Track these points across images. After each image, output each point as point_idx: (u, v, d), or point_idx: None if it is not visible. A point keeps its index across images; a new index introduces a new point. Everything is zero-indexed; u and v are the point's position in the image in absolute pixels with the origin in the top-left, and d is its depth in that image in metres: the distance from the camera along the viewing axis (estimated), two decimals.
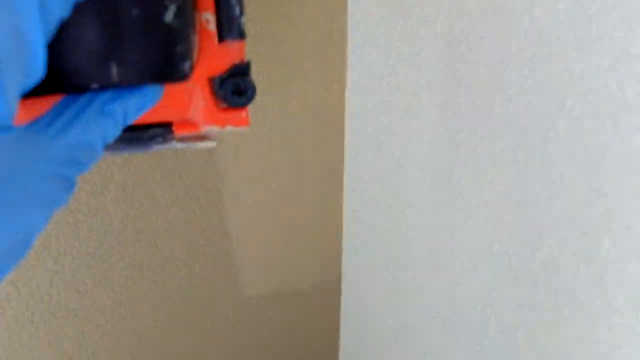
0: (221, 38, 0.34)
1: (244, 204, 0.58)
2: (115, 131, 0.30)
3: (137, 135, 0.34)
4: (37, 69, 0.23)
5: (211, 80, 0.35)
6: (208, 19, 0.33)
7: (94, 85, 0.29)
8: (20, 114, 0.27)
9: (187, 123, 0.36)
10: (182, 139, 0.36)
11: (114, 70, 0.29)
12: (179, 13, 0.29)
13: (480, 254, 0.40)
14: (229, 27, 0.33)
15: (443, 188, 0.43)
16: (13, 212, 0.26)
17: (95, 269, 0.54)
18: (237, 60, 0.35)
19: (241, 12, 0.33)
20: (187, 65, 0.31)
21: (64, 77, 0.27)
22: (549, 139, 0.34)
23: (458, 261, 0.43)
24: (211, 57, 0.34)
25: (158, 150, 0.36)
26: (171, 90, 0.33)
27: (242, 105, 0.36)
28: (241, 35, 0.34)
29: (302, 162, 0.59)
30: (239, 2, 0.33)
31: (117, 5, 0.28)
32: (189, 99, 0.35)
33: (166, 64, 0.30)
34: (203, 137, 0.37)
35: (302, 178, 0.60)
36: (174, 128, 0.36)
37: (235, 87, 0.35)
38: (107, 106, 0.29)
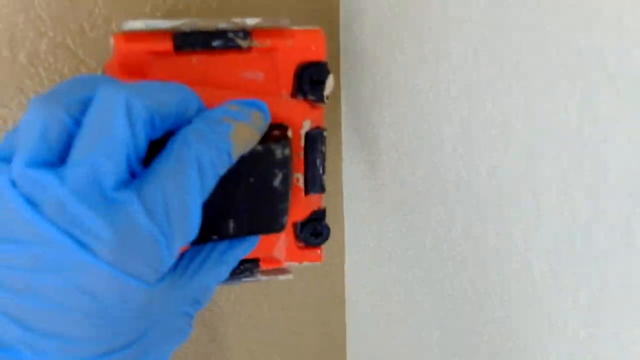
0: (307, 192, 0.41)
1: None
2: (226, 274, 0.36)
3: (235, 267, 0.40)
4: (194, 232, 0.29)
5: (294, 224, 0.42)
6: (298, 178, 0.41)
7: (215, 237, 0.36)
8: None
9: (272, 259, 0.43)
10: (266, 273, 0.43)
11: (232, 225, 0.36)
12: (284, 179, 0.36)
13: None
14: (314, 183, 0.41)
15: None
16: (158, 349, 0.31)
17: None
18: (316, 208, 0.43)
19: (323, 172, 0.41)
20: (286, 219, 0.39)
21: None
22: None
23: None
24: (297, 207, 0.41)
25: (246, 282, 0.43)
26: (265, 235, 0.39)
27: (318, 245, 0.44)
28: (323, 189, 0.41)
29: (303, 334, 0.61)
30: (322, 164, 0.41)
31: (239, 175, 0.34)
32: (276, 240, 0.43)
33: (271, 219, 0.38)
34: (283, 271, 0.44)
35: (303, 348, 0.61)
36: (260, 263, 0.42)
37: (313, 230, 0.43)
38: (224, 256, 0.35)
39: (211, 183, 0.29)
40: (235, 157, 0.31)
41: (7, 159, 0.28)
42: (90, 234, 0.25)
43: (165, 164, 0.28)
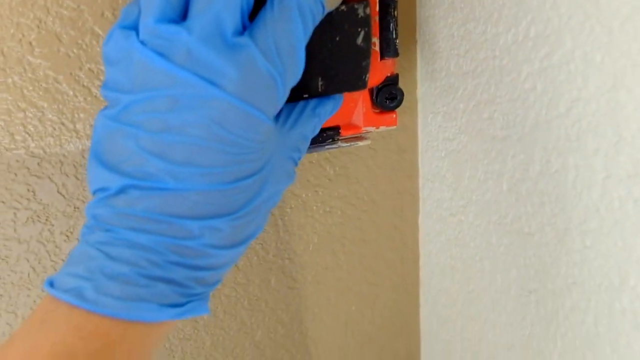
0: (382, 56, 0.42)
1: (324, 322, 0.63)
2: (318, 127, 0.39)
3: (318, 136, 0.44)
4: (301, 70, 0.32)
5: (370, 90, 0.44)
6: (374, 42, 0.42)
7: (305, 95, 0.39)
8: None
9: (351, 126, 0.46)
10: (346, 139, 0.46)
11: (320, 84, 0.39)
12: (366, 37, 0.38)
13: None
14: (388, 47, 0.42)
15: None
16: (272, 185, 0.35)
17: None
18: (389, 73, 0.44)
19: (396, 37, 0.42)
20: (367, 77, 0.40)
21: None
22: None
23: None
24: (373, 71, 0.41)
25: (329, 149, 0.47)
26: (345, 99, 0.42)
27: (393, 109, 0.46)
28: (396, 53, 0.42)
29: (377, 285, 0.63)
30: (395, 29, 0.42)
31: (326, 35, 0.37)
32: (354, 106, 0.45)
33: (356, 77, 0.40)
34: (362, 138, 0.46)
35: (377, 299, 0.64)
36: (341, 130, 0.46)
37: (389, 94, 0.45)
38: (316, 109, 0.39)
39: (310, 29, 0.32)
40: (327, 8, 0.34)
41: (130, 27, 0.31)
42: (218, 73, 0.29)
43: (271, 13, 0.31)
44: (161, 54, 0.29)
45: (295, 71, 0.32)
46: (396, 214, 0.60)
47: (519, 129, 0.39)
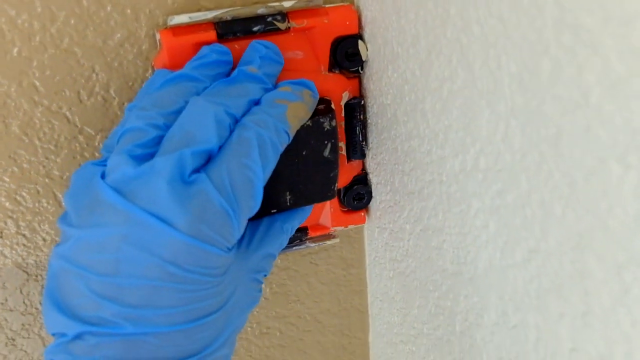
0: (349, 159, 0.44)
1: None
2: (285, 242, 0.39)
3: None
4: (258, 204, 0.32)
5: (337, 189, 0.43)
6: (341, 146, 0.42)
7: (273, 210, 0.38)
8: None
9: (319, 226, 0.46)
10: (314, 239, 0.46)
11: (288, 198, 0.38)
12: (333, 148, 0.38)
13: None
14: (355, 150, 0.43)
15: None
16: (239, 314, 0.35)
17: None
18: (357, 173, 0.45)
19: (363, 139, 0.43)
20: (336, 187, 0.40)
21: None
22: None
23: None
24: (341, 174, 0.41)
25: (297, 250, 0.46)
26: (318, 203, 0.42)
27: (362, 208, 0.46)
28: (363, 155, 0.44)
29: None
30: (362, 131, 0.43)
31: (293, 150, 0.36)
32: (322, 207, 0.45)
33: (325, 188, 0.40)
34: (330, 236, 0.47)
35: None
36: (309, 231, 0.46)
37: (356, 194, 0.45)
38: (284, 225, 0.38)
39: (272, 161, 0.33)
40: (292, 135, 0.34)
41: (101, 163, 0.32)
42: (171, 211, 0.29)
43: (229, 147, 0.31)
44: (117, 191, 0.29)
45: (251, 204, 0.32)
46: (344, 334, 0.54)
47: (470, 268, 0.33)
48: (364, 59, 0.41)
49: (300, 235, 0.45)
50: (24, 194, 0.40)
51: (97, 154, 0.40)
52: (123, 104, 0.39)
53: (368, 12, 0.40)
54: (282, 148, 0.33)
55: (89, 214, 0.30)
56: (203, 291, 0.31)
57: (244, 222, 0.32)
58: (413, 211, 0.39)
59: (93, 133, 0.39)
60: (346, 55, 0.40)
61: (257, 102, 0.34)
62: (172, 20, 0.37)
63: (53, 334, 0.31)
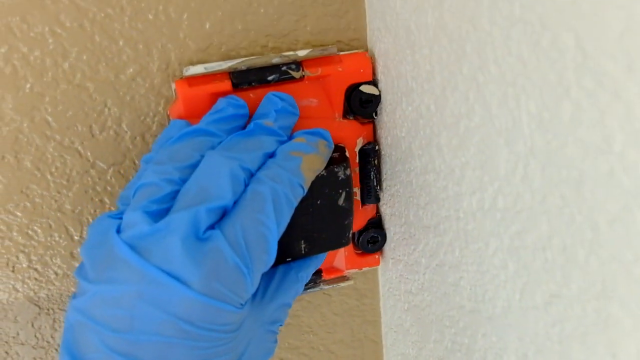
0: (364, 203, 0.43)
1: None
2: (301, 290, 0.39)
3: None
4: (272, 260, 0.32)
5: (353, 234, 0.43)
6: (355, 192, 0.42)
7: (288, 259, 0.38)
8: None
9: (333, 269, 0.46)
10: (328, 282, 0.46)
11: (303, 246, 0.38)
12: (347, 197, 0.38)
13: None
14: (369, 194, 0.43)
15: None
16: None
17: None
18: (371, 217, 0.45)
19: (377, 184, 0.43)
20: (350, 234, 0.40)
21: None
22: None
23: None
24: (355, 218, 0.41)
25: (311, 292, 0.46)
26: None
27: (376, 251, 0.46)
28: (377, 199, 0.44)
29: None
30: (376, 176, 0.43)
31: (308, 200, 0.36)
32: (336, 251, 0.45)
33: (339, 235, 0.39)
34: (344, 278, 0.46)
35: None
36: (323, 274, 0.46)
37: (371, 238, 0.45)
38: (299, 274, 0.38)
39: (286, 216, 0.33)
40: (307, 187, 0.34)
41: (117, 216, 0.32)
42: (185, 270, 0.29)
43: (243, 202, 0.31)
44: (133, 247, 0.29)
45: (265, 260, 0.32)
46: None
47: (488, 307, 0.33)
48: (374, 110, 0.41)
49: (315, 278, 0.45)
50: (36, 228, 0.39)
51: (109, 188, 0.40)
52: (135, 137, 0.39)
53: (381, 59, 0.40)
54: (296, 202, 0.33)
55: (105, 269, 0.30)
56: (216, 347, 0.31)
57: (258, 278, 0.32)
58: (429, 245, 0.39)
59: (105, 167, 0.39)
60: (360, 102, 0.40)
61: (272, 155, 0.34)
62: (188, 70, 0.37)
63: None
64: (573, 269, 0.25)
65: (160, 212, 0.31)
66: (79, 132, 0.38)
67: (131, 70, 0.37)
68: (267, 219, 0.31)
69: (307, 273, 0.39)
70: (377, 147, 0.42)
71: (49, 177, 0.38)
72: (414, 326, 0.44)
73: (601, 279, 0.23)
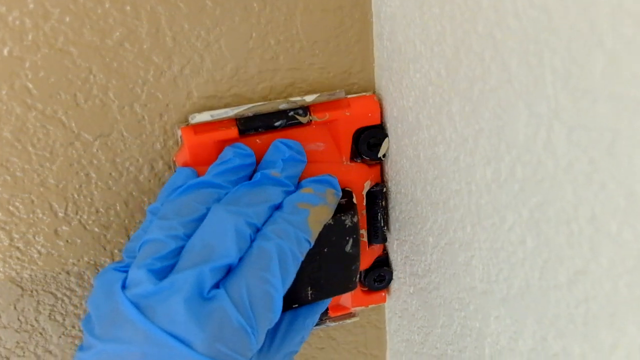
0: (370, 243, 0.43)
1: None
2: (307, 336, 0.38)
3: None
4: (276, 317, 0.32)
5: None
6: (362, 233, 0.42)
7: (295, 306, 0.38)
8: None
9: (339, 307, 0.46)
10: (334, 319, 0.46)
11: (310, 292, 0.38)
12: (354, 243, 0.38)
13: None
14: (376, 235, 0.43)
15: None
16: None
17: None
18: (378, 256, 0.45)
19: (384, 224, 0.43)
20: (357, 278, 0.40)
21: None
22: None
23: None
24: (362, 258, 0.40)
25: (316, 329, 0.46)
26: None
27: (382, 289, 0.46)
28: (384, 239, 0.43)
29: None
30: (383, 217, 0.42)
31: (314, 248, 0.34)
32: None
33: (346, 281, 0.39)
34: (350, 315, 0.46)
35: None
36: (329, 312, 0.45)
37: (377, 276, 0.45)
38: (305, 321, 0.38)
39: (293, 270, 0.32)
40: (313, 241, 0.34)
41: (122, 269, 0.32)
42: (190, 332, 0.29)
43: (249, 260, 0.31)
44: (137, 306, 0.29)
45: (271, 317, 0.31)
46: (359, 351, 0.51)
47: (503, 288, 0.30)
48: (382, 154, 0.41)
49: (321, 316, 0.44)
50: (17, 203, 0.37)
51: (95, 161, 0.37)
52: (123, 107, 0.36)
53: (387, 24, 0.37)
54: (302, 257, 0.33)
55: (110, 326, 0.30)
56: None
57: (263, 335, 0.32)
58: (437, 223, 0.36)
59: (91, 139, 0.37)
60: (368, 145, 0.40)
61: (279, 206, 0.34)
62: (194, 118, 0.37)
63: None
64: (603, 242, 0.22)
65: (164, 269, 0.31)
66: (62, 100, 0.35)
67: (118, 34, 0.35)
68: (273, 277, 0.31)
69: (314, 319, 0.39)
70: (384, 189, 0.42)
71: (30, 149, 0.36)
72: (419, 310, 0.42)
73: (636, 251, 0.21)
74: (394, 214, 0.43)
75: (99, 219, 0.39)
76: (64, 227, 0.38)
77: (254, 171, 0.36)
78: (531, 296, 0.28)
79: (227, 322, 0.30)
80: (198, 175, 0.36)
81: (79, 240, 0.39)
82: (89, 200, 0.38)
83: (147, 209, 0.35)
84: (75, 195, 0.38)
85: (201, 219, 0.32)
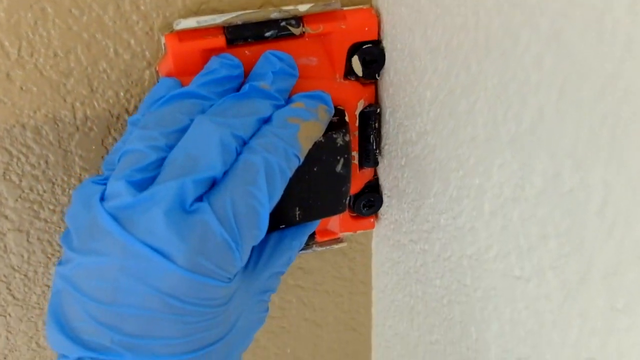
0: (361, 166, 0.42)
1: None
2: (294, 258, 0.37)
3: None
4: (262, 234, 0.30)
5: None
6: (354, 155, 0.40)
7: (282, 226, 0.36)
8: None
9: (327, 232, 0.45)
10: (322, 244, 0.44)
11: (298, 213, 0.37)
12: (345, 163, 0.37)
13: None
14: (367, 158, 0.41)
15: None
16: (245, 337, 0.34)
17: None
18: (368, 180, 0.43)
19: (376, 147, 0.41)
20: (347, 200, 0.39)
21: None
22: None
23: None
24: (352, 181, 0.39)
25: (304, 253, 0.45)
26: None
27: (371, 215, 0.45)
28: (376, 163, 0.42)
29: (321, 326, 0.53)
30: (375, 140, 0.41)
31: (303, 166, 0.33)
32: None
33: (335, 202, 0.38)
34: (338, 240, 0.45)
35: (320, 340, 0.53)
36: (317, 237, 0.44)
37: (367, 201, 0.43)
38: (292, 242, 0.37)
39: (280, 186, 0.31)
40: (303, 157, 0.32)
41: (101, 182, 0.31)
42: (171, 244, 0.27)
43: (235, 174, 0.30)
44: (115, 218, 0.28)
45: (256, 234, 0.30)
46: (344, 276, 0.48)
47: (511, 127, 0.27)
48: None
49: (308, 240, 0.42)
50: None
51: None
52: None
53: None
54: (291, 173, 0.31)
55: (88, 238, 0.29)
56: (204, 322, 0.30)
57: (248, 252, 0.30)
58: (437, 72, 0.32)
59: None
60: (364, 62, 0.38)
61: (267, 120, 0.32)
62: (179, 24, 0.34)
63: (56, 352, 0.30)
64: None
65: (145, 181, 0.29)
66: None
67: None
68: (259, 191, 0.30)
69: (301, 241, 0.38)
70: (378, 110, 0.40)
71: None
72: (411, 183, 0.39)
73: None
74: (387, 127, 0.40)
75: (58, 64, 0.34)
76: (17, 71, 0.34)
77: (242, 84, 0.34)
78: (544, 127, 0.24)
79: (210, 236, 0.28)
80: (182, 86, 0.34)
81: (34, 88, 0.35)
82: (45, 41, 0.34)
83: (127, 120, 0.33)
84: (30, 34, 0.33)
85: (184, 130, 0.31)
